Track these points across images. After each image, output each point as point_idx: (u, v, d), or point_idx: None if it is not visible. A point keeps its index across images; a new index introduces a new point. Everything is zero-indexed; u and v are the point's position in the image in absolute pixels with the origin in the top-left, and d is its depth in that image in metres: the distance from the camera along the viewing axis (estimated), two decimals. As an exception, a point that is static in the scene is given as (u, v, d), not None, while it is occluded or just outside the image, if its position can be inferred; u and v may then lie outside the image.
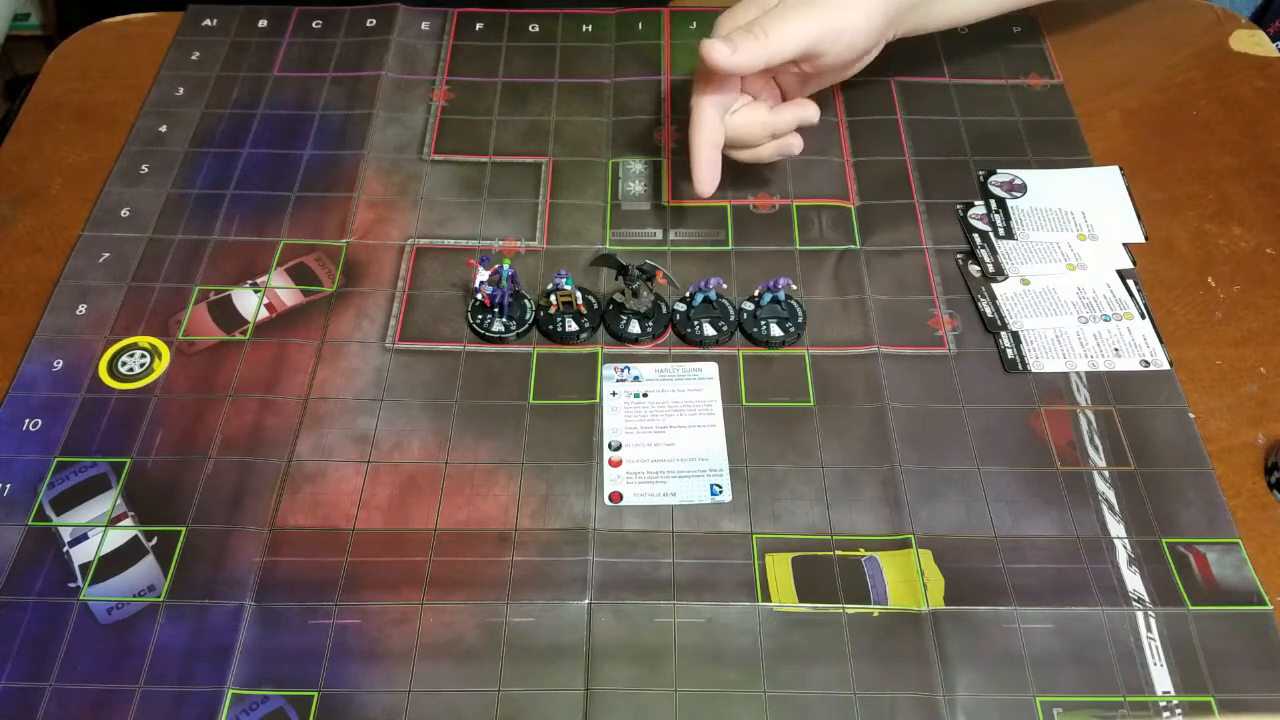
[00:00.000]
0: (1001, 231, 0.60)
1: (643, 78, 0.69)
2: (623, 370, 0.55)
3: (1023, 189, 0.62)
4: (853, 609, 0.46)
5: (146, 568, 0.47)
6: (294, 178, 0.63)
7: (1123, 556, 0.47)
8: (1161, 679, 0.44)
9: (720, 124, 0.56)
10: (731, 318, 0.56)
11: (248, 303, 0.57)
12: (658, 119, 0.67)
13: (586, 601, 0.46)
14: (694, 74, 0.57)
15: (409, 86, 0.69)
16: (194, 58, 0.71)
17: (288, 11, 0.73)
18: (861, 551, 0.48)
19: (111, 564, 0.47)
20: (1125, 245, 0.59)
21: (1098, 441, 0.51)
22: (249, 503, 0.49)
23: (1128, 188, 0.62)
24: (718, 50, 0.52)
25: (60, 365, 0.54)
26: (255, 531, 0.48)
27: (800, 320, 0.56)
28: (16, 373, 0.54)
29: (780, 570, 0.47)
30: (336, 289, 0.58)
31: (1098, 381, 0.53)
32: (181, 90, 0.69)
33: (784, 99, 0.60)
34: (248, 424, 0.52)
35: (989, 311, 0.56)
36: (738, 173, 0.63)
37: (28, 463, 0.51)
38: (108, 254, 0.59)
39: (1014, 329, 0.55)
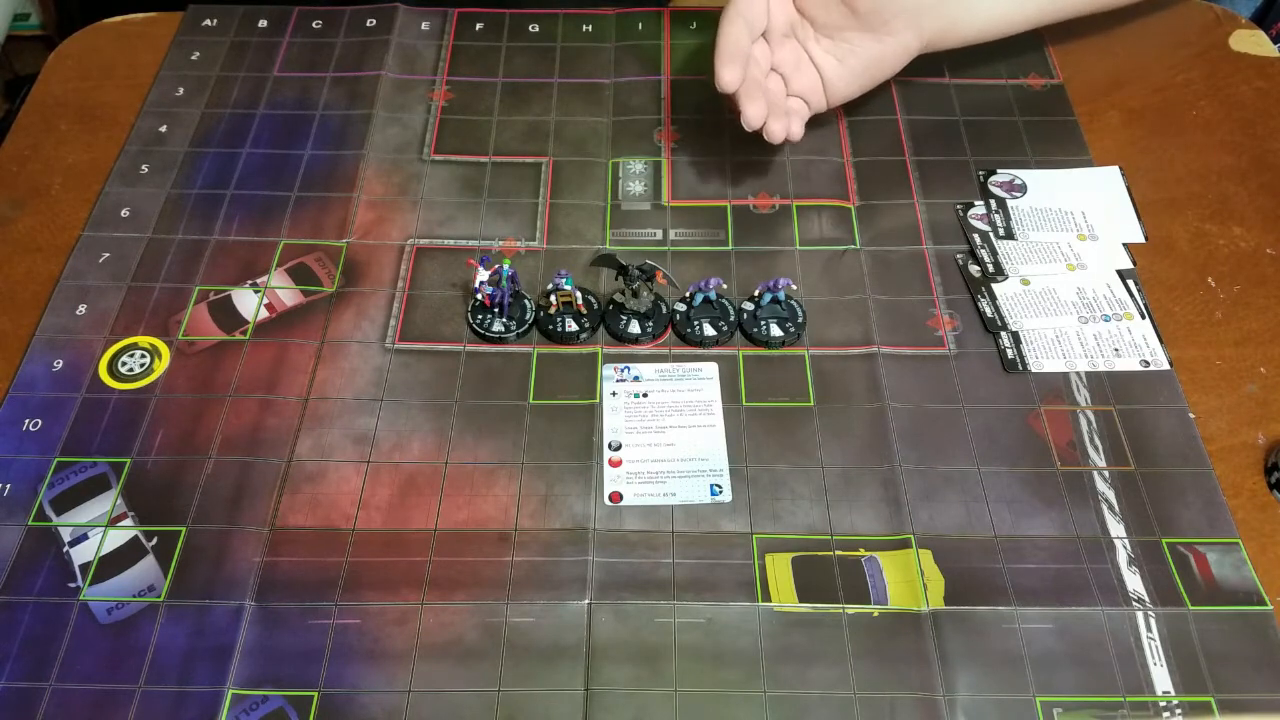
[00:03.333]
0: (1001, 231, 0.60)
1: (643, 78, 0.69)
2: (623, 370, 0.55)
3: (1023, 189, 0.62)
4: (853, 609, 0.46)
5: (146, 568, 0.47)
6: (294, 178, 0.63)
7: (1123, 556, 0.47)
8: (1161, 679, 0.44)
9: (754, 17, 0.57)
10: (731, 318, 0.56)
11: (248, 303, 0.57)
12: (658, 119, 0.67)
13: (586, 601, 0.46)
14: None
15: (409, 86, 0.69)
16: (194, 58, 0.71)
17: (288, 11, 0.73)
18: (861, 551, 0.48)
19: (111, 564, 0.47)
20: (1125, 245, 0.59)
21: (1098, 441, 0.51)
22: (249, 503, 0.49)
23: (1128, 188, 0.62)
24: None
25: (60, 365, 0.54)
26: (255, 531, 0.48)
27: (800, 320, 0.56)
28: (16, 373, 0.54)
29: (780, 570, 0.47)
30: (336, 289, 0.58)
31: (1098, 381, 0.53)
32: (181, 90, 0.69)
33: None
34: (248, 424, 0.52)
35: (989, 311, 0.56)
36: (738, 172, 0.63)
37: (28, 463, 0.51)
38: (108, 254, 0.59)
39: (1014, 329, 0.55)
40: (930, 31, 0.60)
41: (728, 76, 0.56)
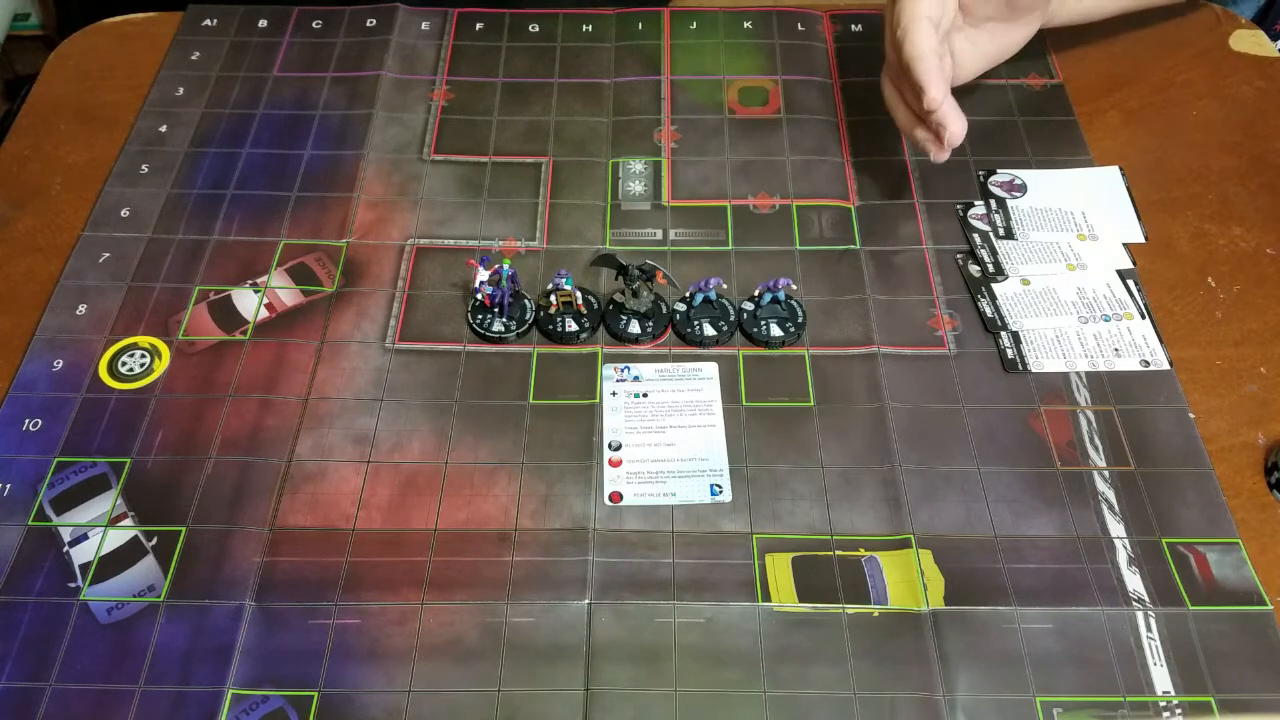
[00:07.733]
0: (1001, 231, 0.60)
1: (643, 78, 0.69)
2: (623, 370, 0.55)
3: (1023, 189, 0.62)
4: (853, 609, 0.46)
5: (146, 568, 0.47)
6: (294, 178, 0.63)
7: (1123, 556, 0.47)
8: (1161, 679, 0.44)
9: (937, 35, 0.54)
10: (731, 318, 0.56)
11: (248, 303, 0.57)
12: (658, 119, 0.67)
13: (586, 601, 0.46)
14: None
15: (409, 86, 0.69)
16: (194, 58, 0.71)
17: (288, 11, 0.73)
18: (861, 551, 0.48)
19: (111, 564, 0.47)
20: (1125, 245, 0.59)
21: (1098, 441, 0.51)
22: (249, 503, 0.49)
23: (1128, 188, 0.62)
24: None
25: (60, 365, 0.54)
26: (255, 531, 0.48)
27: (800, 320, 0.56)
28: (16, 373, 0.54)
29: (780, 570, 0.47)
30: (336, 289, 0.58)
31: (1098, 381, 0.53)
32: (181, 90, 0.69)
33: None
34: (248, 424, 0.52)
35: (989, 311, 0.56)
36: (738, 172, 0.63)
37: (28, 463, 0.51)
38: (108, 254, 0.59)
39: (1014, 329, 0.55)
40: (1048, 13, 0.62)
41: (937, 93, 0.53)
